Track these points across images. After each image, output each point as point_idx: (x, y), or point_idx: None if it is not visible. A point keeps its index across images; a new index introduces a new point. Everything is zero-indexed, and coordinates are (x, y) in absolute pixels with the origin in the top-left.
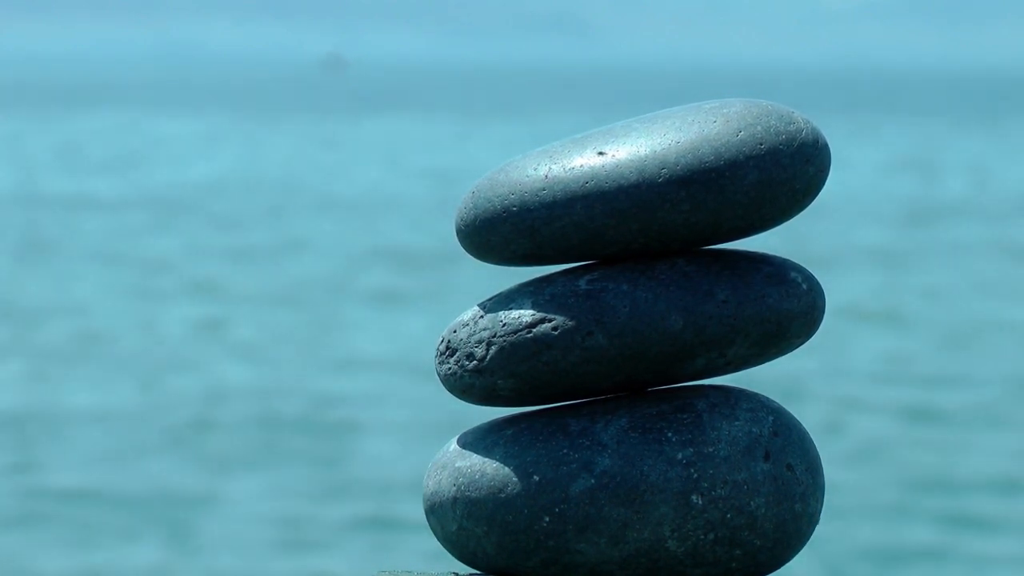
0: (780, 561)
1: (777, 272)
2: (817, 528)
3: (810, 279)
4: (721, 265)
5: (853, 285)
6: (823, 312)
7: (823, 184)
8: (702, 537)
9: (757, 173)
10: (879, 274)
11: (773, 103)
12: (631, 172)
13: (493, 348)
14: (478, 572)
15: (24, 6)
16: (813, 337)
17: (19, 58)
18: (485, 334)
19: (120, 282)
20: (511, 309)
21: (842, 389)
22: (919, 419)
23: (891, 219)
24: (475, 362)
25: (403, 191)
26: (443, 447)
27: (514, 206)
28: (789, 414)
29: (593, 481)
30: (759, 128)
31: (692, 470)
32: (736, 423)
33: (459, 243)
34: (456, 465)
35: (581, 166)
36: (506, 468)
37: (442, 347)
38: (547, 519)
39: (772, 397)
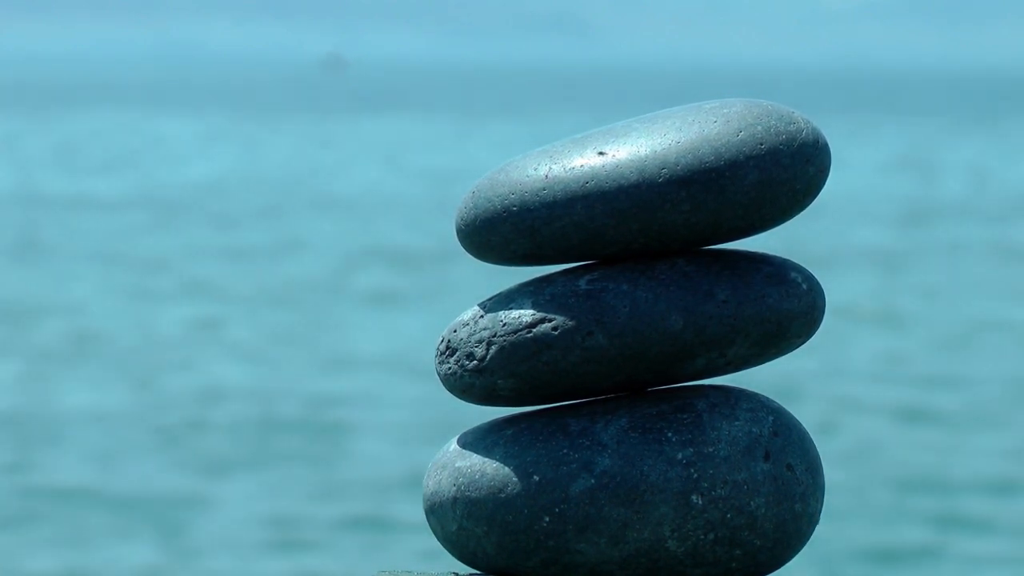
0: (780, 561)
1: (777, 272)
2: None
3: (810, 279)
4: (721, 265)
5: (851, 285)
6: (823, 312)
7: (823, 184)
8: (702, 537)
9: (757, 173)
10: (877, 274)
11: (773, 103)
12: (631, 172)
13: (493, 348)
14: (478, 572)
15: (24, 6)
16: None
17: (19, 58)
18: (485, 334)
19: (117, 282)
20: (511, 309)
21: (838, 389)
22: (914, 419)
23: (889, 219)
24: (475, 362)
25: (403, 191)
26: (443, 447)
27: (514, 206)
28: (789, 414)
29: (593, 481)
30: (759, 128)
31: (692, 470)
32: (736, 423)
33: (459, 243)
34: (456, 465)
35: (581, 166)
36: (506, 468)
37: (442, 347)
38: (547, 519)
39: (770, 397)
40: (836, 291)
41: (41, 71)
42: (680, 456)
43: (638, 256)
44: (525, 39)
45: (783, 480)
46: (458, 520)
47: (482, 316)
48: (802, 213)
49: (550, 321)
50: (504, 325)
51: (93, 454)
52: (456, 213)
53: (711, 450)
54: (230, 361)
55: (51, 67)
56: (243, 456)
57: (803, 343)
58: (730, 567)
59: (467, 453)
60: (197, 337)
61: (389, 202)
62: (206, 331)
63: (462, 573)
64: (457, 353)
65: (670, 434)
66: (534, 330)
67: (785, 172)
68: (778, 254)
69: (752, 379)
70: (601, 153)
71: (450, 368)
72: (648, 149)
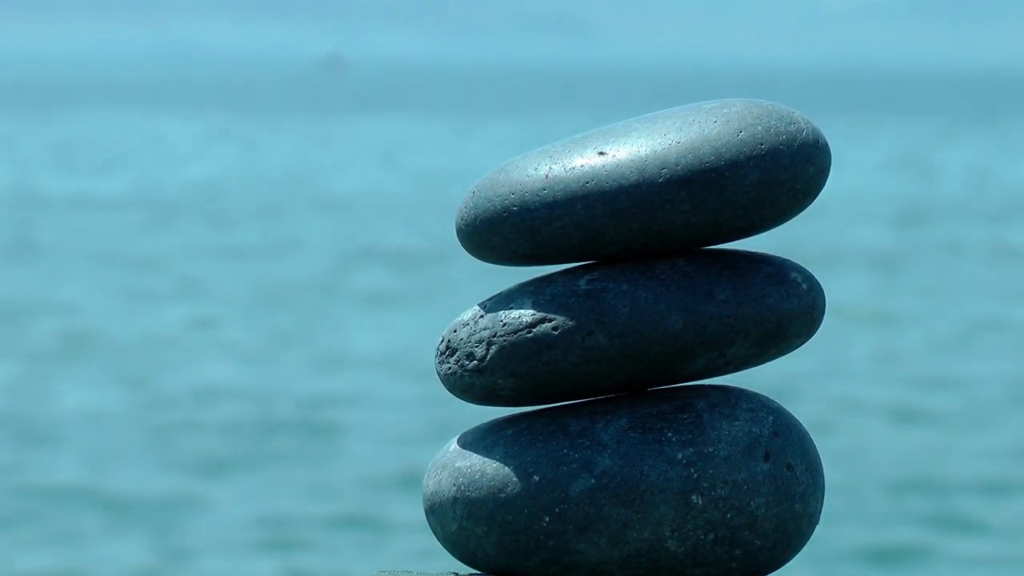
0: (780, 561)
1: (777, 272)
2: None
3: (810, 279)
4: (721, 265)
5: (850, 285)
6: (823, 312)
7: (823, 184)
8: (702, 537)
9: (757, 173)
10: (876, 274)
11: (773, 103)
12: (631, 172)
13: (493, 348)
14: (478, 572)
15: (24, 6)
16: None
17: (19, 58)
18: (485, 334)
19: (113, 282)
20: (511, 309)
21: (834, 389)
22: (910, 420)
23: (889, 219)
24: (475, 362)
25: (402, 191)
26: (443, 447)
27: (514, 206)
28: (789, 414)
29: (593, 481)
30: (759, 128)
31: (692, 470)
32: (736, 423)
33: (459, 243)
34: (456, 465)
35: (582, 166)
36: (506, 468)
37: (442, 347)
38: (547, 519)
39: (770, 397)
40: (835, 291)
41: (41, 71)
42: (680, 456)
43: (638, 256)
44: (525, 39)
45: (783, 480)
46: (458, 520)
47: (482, 316)
48: (802, 213)
49: (550, 321)
50: (504, 325)
51: (87, 454)
52: (456, 213)
53: (711, 450)
54: (226, 361)
55: (51, 67)
56: (238, 456)
57: (803, 343)
58: (730, 567)
59: (467, 453)
60: (193, 337)
61: (388, 202)
62: (202, 331)
63: (462, 573)
64: (457, 353)
65: (670, 434)
66: (534, 330)
67: (785, 172)
68: (778, 254)
69: (752, 379)
70: (601, 153)
71: (450, 368)
72: (648, 149)
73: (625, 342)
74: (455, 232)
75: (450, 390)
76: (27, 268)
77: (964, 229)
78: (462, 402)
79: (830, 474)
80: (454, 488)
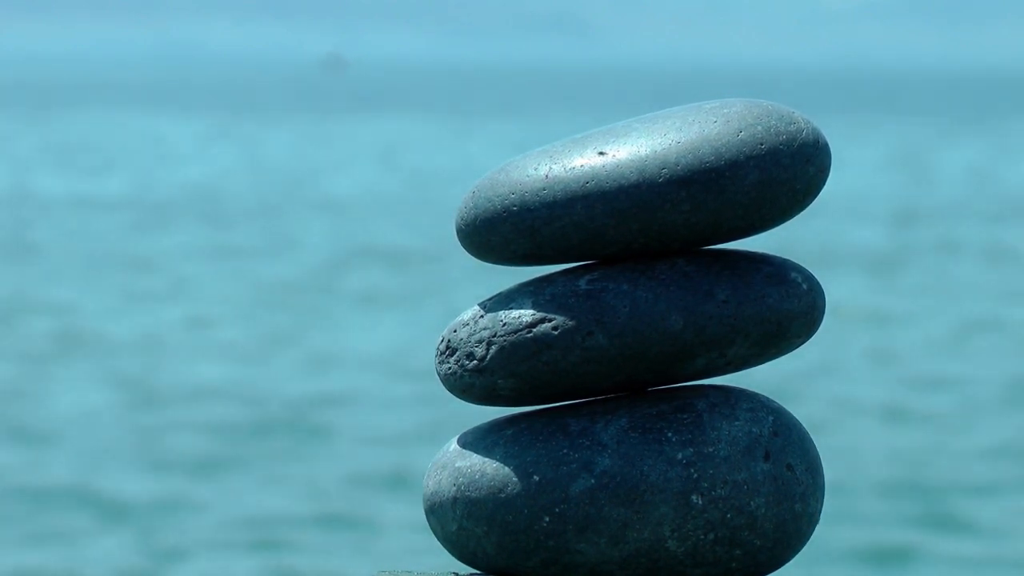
0: (780, 561)
1: (777, 272)
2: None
3: (810, 279)
4: (721, 265)
5: (848, 285)
6: (823, 312)
7: (823, 184)
8: (702, 537)
9: (757, 173)
10: (873, 274)
11: (773, 103)
12: (631, 172)
13: (493, 348)
14: (478, 572)
15: (24, 6)
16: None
17: (19, 58)
18: (485, 334)
19: (108, 282)
20: (511, 309)
21: (829, 388)
22: (903, 419)
23: (887, 219)
24: (475, 362)
25: (402, 191)
26: (443, 447)
27: (514, 206)
28: (789, 414)
29: (593, 481)
30: (759, 128)
31: (692, 470)
32: (736, 423)
33: (459, 243)
34: (456, 465)
35: (582, 166)
36: (506, 468)
37: (442, 347)
38: (547, 519)
39: (770, 397)
40: (834, 291)
41: (41, 71)
42: (680, 456)
43: (638, 256)
44: (525, 39)
45: (783, 480)
46: (458, 520)
47: (482, 316)
48: (802, 213)
49: (550, 321)
50: (504, 325)
51: (80, 453)
52: (456, 213)
53: (711, 450)
54: (221, 361)
55: (51, 67)
56: (230, 456)
57: (803, 343)
58: (730, 567)
59: (467, 453)
60: (188, 337)
61: (387, 202)
62: (197, 331)
63: (462, 573)
64: (457, 353)
65: (670, 434)
66: (534, 330)
67: (785, 172)
68: (778, 254)
69: (752, 379)
70: (601, 153)
71: (450, 368)
72: (648, 149)
73: (625, 342)
74: (455, 232)
75: (450, 390)
76: (23, 268)
77: (962, 229)
78: (457, 402)
79: (825, 474)
80: (454, 488)
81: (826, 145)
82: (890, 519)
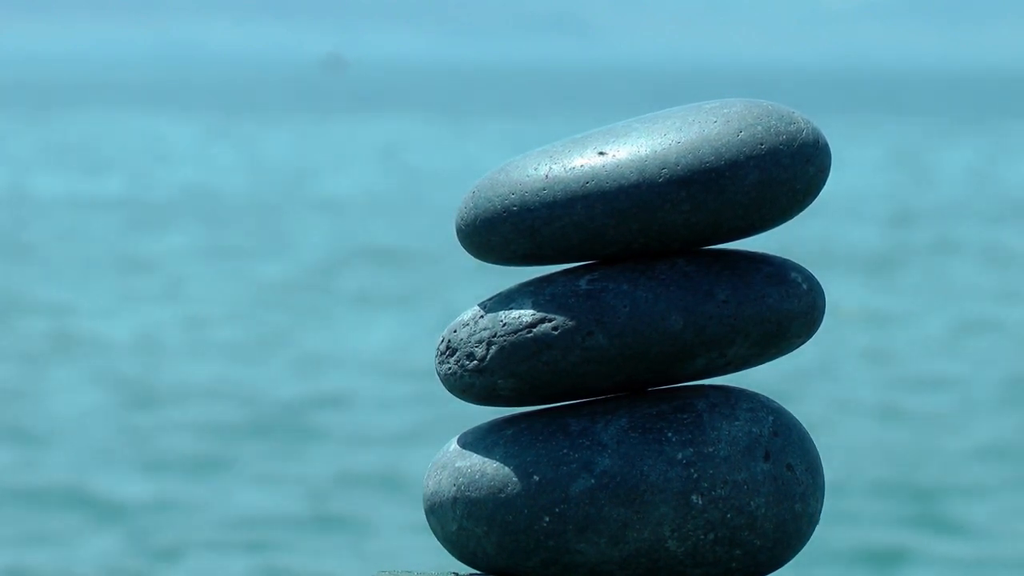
0: (780, 561)
1: (777, 272)
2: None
3: (810, 279)
4: (721, 265)
5: (846, 285)
6: (823, 312)
7: (823, 184)
8: (702, 537)
9: (757, 173)
10: (872, 274)
11: (773, 103)
12: (631, 172)
13: (493, 348)
14: (478, 572)
15: (24, 6)
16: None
17: (19, 58)
18: (485, 334)
19: (104, 282)
20: (511, 309)
21: (826, 389)
22: (899, 420)
23: (886, 219)
24: (475, 362)
25: (401, 191)
26: (443, 447)
27: (514, 206)
28: (789, 414)
29: (593, 481)
30: (759, 128)
31: (692, 470)
32: (736, 423)
33: (459, 243)
34: (456, 465)
35: (582, 166)
36: (506, 468)
37: (442, 347)
38: (547, 519)
39: (770, 397)
40: (832, 291)
41: (41, 71)
42: (680, 456)
43: (638, 256)
44: (525, 39)
45: (783, 480)
46: (458, 520)
47: (482, 316)
48: (801, 213)
49: (550, 321)
50: (504, 325)
51: (74, 453)
52: (456, 213)
53: (711, 450)
54: (217, 361)
55: (51, 67)
56: (225, 456)
57: (803, 343)
58: (730, 567)
59: (467, 453)
60: (184, 337)
61: (387, 203)
62: (192, 331)
63: (462, 573)
64: (457, 353)
65: (670, 434)
66: (534, 330)
67: (785, 172)
68: (777, 254)
69: (752, 379)
70: (601, 153)
71: (450, 368)
72: (648, 149)
73: (625, 342)
74: (455, 232)
75: (450, 390)
76: (19, 268)
77: (960, 229)
78: (453, 402)
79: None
80: (454, 488)
81: (826, 145)
82: (883, 519)
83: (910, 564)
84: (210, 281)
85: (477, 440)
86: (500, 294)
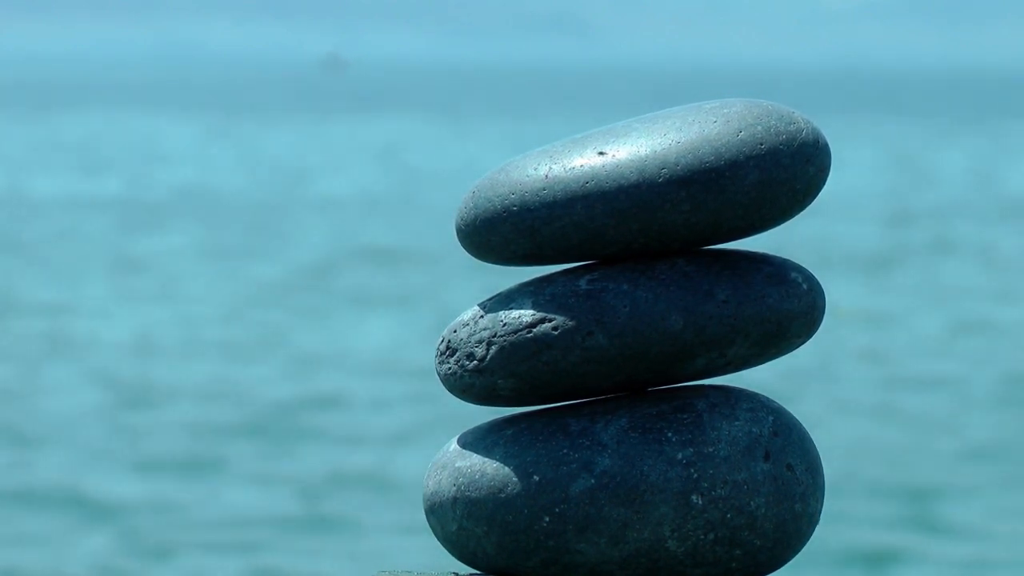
0: (780, 561)
1: (777, 272)
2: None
3: (810, 279)
4: (721, 265)
5: (844, 285)
6: (823, 312)
7: (823, 184)
8: (702, 537)
9: (757, 173)
10: (869, 274)
11: (773, 103)
12: (631, 172)
13: (493, 348)
14: (478, 572)
15: (24, 6)
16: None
17: (19, 58)
18: (485, 334)
19: (103, 282)
20: (511, 309)
21: (822, 388)
22: (894, 420)
23: (885, 219)
24: (475, 362)
25: (401, 191)
26: (443, 447)
27: (514, 206)
28: (789, 414)
29: (593, 481)
30: (759, 128)
31: (692, 470)
32: (736, 423)
33: (459, 243)
34: (456, 465)
35: (581, 166)
36: (506, 468)
37: (442, 347)
38: (547, 519)
39: (770, 397)
40: (830, 290)
41: (41, 71)
42: (680, 456)
43: (638, 256)
44: (525, 39)
45: (783, 480)
46: (458, 520)
47: (482, 316)
48: (801, 212)
49: (550, 321)
50: (504, 325)
51: (68, 453)
52: (456, 213)
53: (711, 450)
54: (212, 362)
55: (51, 67)
56: (218, 456)
57: (803, 343)
58: (730, 567)
59: (467, 453)
60: (180, 337)
61: (387, 203)
62: (189, 331)
63: (462, 573)
64: (457, 353)
65: (670, 434)
66: (534, 330)
67: (785, 172)
68: (777, 254)
69: (752, 379)
70: (601, 153)
71: (450, 368)
72: (648, 149)
73: (625, 342)
74: (455, 232)
75: (450, 390)
76: (15, 267)
77: (959, 230)
78: (448, 402)
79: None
80: (454, 488)
81: (826, 145)
82: (877, 519)
83: (904, 564)
84: (207, 281)
85: (477, 440)
86: (500, 294)
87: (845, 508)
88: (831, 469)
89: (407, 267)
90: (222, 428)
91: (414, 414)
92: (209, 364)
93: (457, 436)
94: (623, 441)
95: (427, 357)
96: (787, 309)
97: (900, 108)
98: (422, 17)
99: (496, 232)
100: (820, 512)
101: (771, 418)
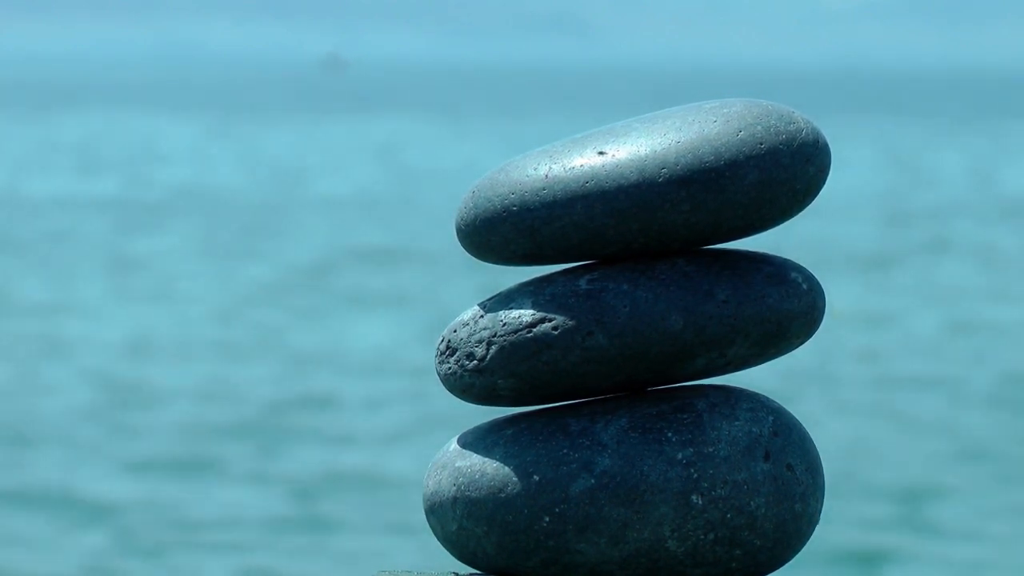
0: (780, 561)
1: (777, 272)
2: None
3: (810, 279)
4: (721, 265)
5: (842, 285)
6: (823, 312)
7: (823, 184)
8: (702, 537)
9: (757, 173)
10: (868, 274)
11: (773, 103)
12: (631, 172)
13: (493, 348)
14: (478, 572)
15: (24, 6)
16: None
17: (19, 58)
18: (485, 334)
19: (99, 281)
20: (511, 309)
21: (820, 388)
22: (890, 420)
23: (884, 219)
24: (475, 362)
25: (400, 191)
26: (443, 447)
27: (514, 206)
28: (789, 414)
29: (593, 481)
30: (759, 128)
31: (692, 470)
32: (736, 423)
33: (459, 243)
34: (456, 465)
35: (581, 166)
36: (506, 468)
37: (442, 346)
38: (547, 519)
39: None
40: (831, 290)
41: (41, 71)
42: (680, 456)
43: (638, 256)
44: (525, 39)
45: (783, 480)
46: (458, 520)
47: (482, 316)
48: (801, 212)
49: (550, 321)
50: (504, 325)
51: (60, 453)
52: (456, 213)
53: (711, 450)
54: (207, 362)
55: (51, 67)
56: (212, 456)
57: (803, 343)
58: (730, 567)
59: (467, 453)
60: (175, 337)
61: (386, 203)
62: (184, 331)
63: (462, 573)
64: (457, 353)
65: (670, 434)
66: (534, 330)
67: (785, 172)
68: (777, 254)
69: (752, 379)
70: (601, 153)
71: (450, 368)
72: (648, 149)
73: (625, 342)
74: (455, 232)
75: (450, 390)
76: (12, 267)
77: (958, 230)
78: (444, 402)
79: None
80: (454, 488)
81: (826, 145)
82: (872, 520)
83: (898, 565)
84: (204, 281)
85: (477, 440)
86: (500, 294)
87: (840, 508)
88: (828, 469)
89: (405, 267)
90: (217, 428)
91: (409, 414)
92: (204, 364)
93: (457, 436)
94: (623, 441)
95: (423, 357)
96: (787, 309)
97: (900, 108)
98: (422, 17)
99: (496, 232)
100: (820, 512)
101: (771, 418)
